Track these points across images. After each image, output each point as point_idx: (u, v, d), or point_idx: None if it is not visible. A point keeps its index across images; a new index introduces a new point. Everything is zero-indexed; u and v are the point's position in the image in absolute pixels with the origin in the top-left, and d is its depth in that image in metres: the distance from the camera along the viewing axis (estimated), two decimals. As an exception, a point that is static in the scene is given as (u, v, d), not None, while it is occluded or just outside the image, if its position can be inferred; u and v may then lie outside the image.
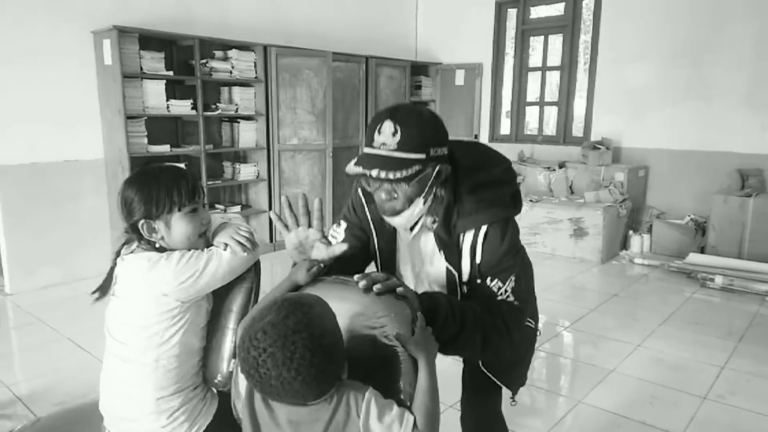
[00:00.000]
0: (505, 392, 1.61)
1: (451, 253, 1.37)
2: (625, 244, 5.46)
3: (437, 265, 1.41)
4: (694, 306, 4.03)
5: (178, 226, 1.36)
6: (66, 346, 3.23)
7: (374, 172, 1.20)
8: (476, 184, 1.35)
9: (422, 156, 1.22)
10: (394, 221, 1.34)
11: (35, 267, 4.19)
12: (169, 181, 1.35)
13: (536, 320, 1.61)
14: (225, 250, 1.40)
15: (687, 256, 4.85)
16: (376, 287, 1.11)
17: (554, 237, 5.29)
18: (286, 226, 1.33)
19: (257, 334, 0.94)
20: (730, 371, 3.01)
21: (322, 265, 1.26)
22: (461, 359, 1.62)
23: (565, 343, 3.47)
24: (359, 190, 1.49)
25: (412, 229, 1.41)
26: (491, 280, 1.34)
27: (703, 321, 3.72)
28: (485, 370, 1.52)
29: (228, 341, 1.46)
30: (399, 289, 1.13)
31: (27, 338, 3.42)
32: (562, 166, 5.83)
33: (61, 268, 4.20)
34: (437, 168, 1.26)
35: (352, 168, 1.24)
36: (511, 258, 1.35)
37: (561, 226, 5.24)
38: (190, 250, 1.38)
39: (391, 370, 1.06)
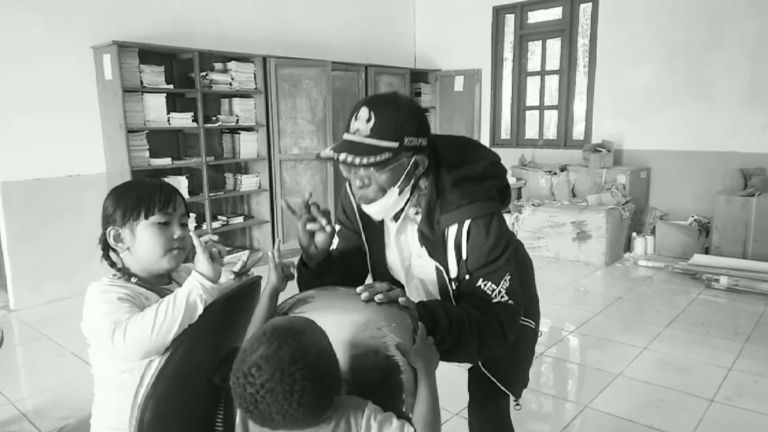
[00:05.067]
0: (511, 398, 1.59)
1: (435, 249, 1.36)
2: (628, 247, 5.45)
3: (425, 259, 1.40)
4: (699, 307, 4.01)
5: (142, 235, 1.31)
6: (71, 361, 3.23)
7: (342, 156, 1.21)
8: (459, 179, 1.33)
9: (394, 144, 1.22)
10: (369, 210, 1.34)
11: (40, 282, 4.20)
12: (143, 190, 1.33)
13: (537, 320, 1.60)
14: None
15: (691, 257, 4.83)
16: (378, 297, 1.11)
17: (557, 241, 5.28)
18: (295, 212, 1.35)
19: (251, 370, 0.90)
20: (737, 372, 2.99)
21: (292, 270, 1.28)
22: (465, 366, 1.61)
23: (571, 347, 3.45)
24: (348, 186, 1.49)
25: (396, 219, 1.40)
26: (484, 283, 1.32)
27: (708, 322, 3.70)
28: (485, 371, 1.50)
29: None
30: (401, 299, 1.13)
31: (32, 354, 3.42)
32: (563, 169, 5.83)
33: (66, 283, 4.21)
34: (413, 158, 1.27)
35: (325, 152, 1.25)
36: (499, 254, 1.32)
37: (564, 230, 5.23)
38: (154, 270, 1.35)
39: (393, 382, 1.06)
